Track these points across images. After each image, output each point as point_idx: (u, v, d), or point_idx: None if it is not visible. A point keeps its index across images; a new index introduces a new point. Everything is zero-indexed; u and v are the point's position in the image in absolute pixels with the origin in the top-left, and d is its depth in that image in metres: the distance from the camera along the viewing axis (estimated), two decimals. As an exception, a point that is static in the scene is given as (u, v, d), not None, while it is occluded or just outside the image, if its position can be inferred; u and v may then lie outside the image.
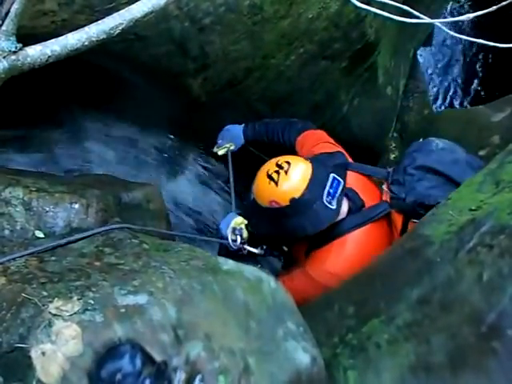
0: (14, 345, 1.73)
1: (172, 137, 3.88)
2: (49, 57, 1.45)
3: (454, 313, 2.02)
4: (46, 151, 3.60)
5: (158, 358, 1.56)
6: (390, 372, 1.98)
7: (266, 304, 1.96)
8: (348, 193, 2.63)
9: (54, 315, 1.77)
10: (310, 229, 2.52)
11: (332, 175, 2.51)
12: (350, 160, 2.91)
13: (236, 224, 2.73)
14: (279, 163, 2.48)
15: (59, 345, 1.73)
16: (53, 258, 2.13)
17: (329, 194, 2.46)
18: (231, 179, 3.08)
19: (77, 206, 2.41)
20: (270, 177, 2.44)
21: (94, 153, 3.69)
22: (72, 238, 2.28)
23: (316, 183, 2.47)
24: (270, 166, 2.52)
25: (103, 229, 2.37)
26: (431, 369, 1.89)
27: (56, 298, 1.81)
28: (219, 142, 3.20)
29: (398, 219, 2.69)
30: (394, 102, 5.15)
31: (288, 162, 2.47)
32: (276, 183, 2.42)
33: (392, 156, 6.13)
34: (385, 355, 2.05)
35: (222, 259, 2.24)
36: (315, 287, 2.61)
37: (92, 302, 1.84)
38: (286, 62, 3.72)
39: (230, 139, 3.17)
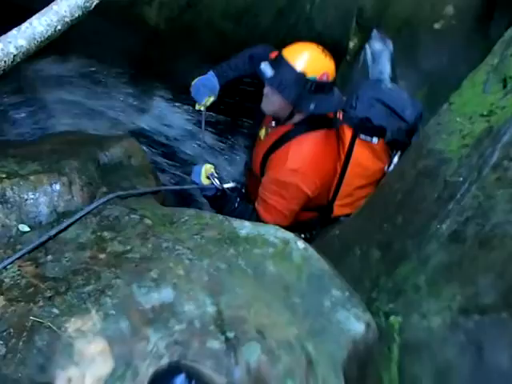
0: (36, 379, 1.46)
1: (133, 73, 3.41)
2: (14, 56, 1.04)
3: (496, 250, 1.82)
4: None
5: (218, 379, 1.30)
6: (439, 315, 1.80)
7: (302, 272, 1.74)
8: None
9: (75, 338, 1.49)
10: (331, 108, 2.66)
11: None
12: None
13: (207, 170, 2.75)
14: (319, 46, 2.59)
15: (85, 365, 1.47)
16: (49, 258, 1.81)
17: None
18: (202, 134, 2.97)
19: (58, 186, 2.05)
20: (324, 52, 2.53)
21: (50, 102, 3.20)
22: (63, 226, 1.94)
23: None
24: (313, 45, 2.59)
25: (92, 207, 2.03)
26: (485, 310, 1.72)
27: (73, 319, 1.52)
28: (198, 97, 2.88)
29: (347, 134, 2.79)
30: (354, -8, 4.72)
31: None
32: (330, 57, 2.53)
33: (351, 45, 5.76)
34: (427, 298, 1.87)
35: (236, 222, 1.97)
36: (288, 190, 2.61)
37: (113, 311, 1.56)
38: (244, -31, 3.25)
39: (209, 92, 2.86)
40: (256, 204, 2.74)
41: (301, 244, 1.84)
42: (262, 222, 2.55)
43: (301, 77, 2.50)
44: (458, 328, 1.72)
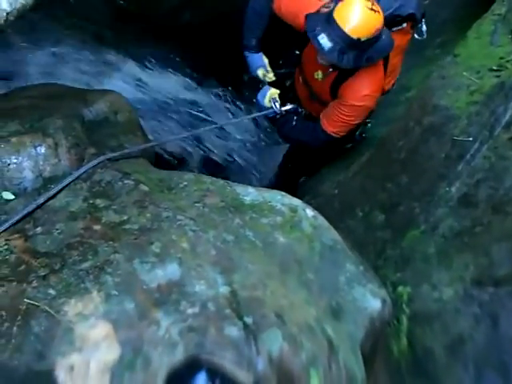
0: (34, 367, 1.33)
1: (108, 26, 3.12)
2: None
3: (511, 215, 1.73)
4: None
5: (241, 375, 1.18)
6: (451, 286, 1.72)
7: (313, 243, 1.61)
8: None
9: (76, 322, 1.35)
10: (389, 47, 2.74)
11: None
12: None
13: (271, 94, 3.03)
14: None
15: (89, 351, 1.34)
16: (39, 230, 1.64)
17: None
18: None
19: (43, 148, 1.86)
20: (372, 9, 2.52)
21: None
22: (51, 193, 1.76)
23: None
24: (362, 2, 2.54)
25: (80, 172, 1.85)
26: (500, 282, 1.64)
27: (72, 300, 1.37)
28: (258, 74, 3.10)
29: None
30: None
31: None
32: (378, 12, 2.53)
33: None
34: (438, 268, 1.79)
35: (239, 187, 1.82)
36: (358, 111, 2.86)
37: (116, 292, 1.42)
38: None
39: (258, 67, 3.09)
40: (321, 117, 2.99)
41: (310, 212, 1.71)
42: (324, 132, 2.93)
43: (356, 43, 2.58)
44: (471, 300, 1.65)
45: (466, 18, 4.35)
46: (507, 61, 2.16)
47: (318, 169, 3.87)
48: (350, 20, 2.53)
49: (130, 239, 1.58)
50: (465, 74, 2.25)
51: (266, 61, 3.09)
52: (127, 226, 1.64)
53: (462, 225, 1.83)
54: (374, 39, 2.58)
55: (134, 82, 3.41)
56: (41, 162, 1.84)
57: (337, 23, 2.55)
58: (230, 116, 3.90)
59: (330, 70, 2.92)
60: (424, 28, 2.99)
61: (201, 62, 3.89)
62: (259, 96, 3.07)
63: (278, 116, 3.06)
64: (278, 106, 3.04)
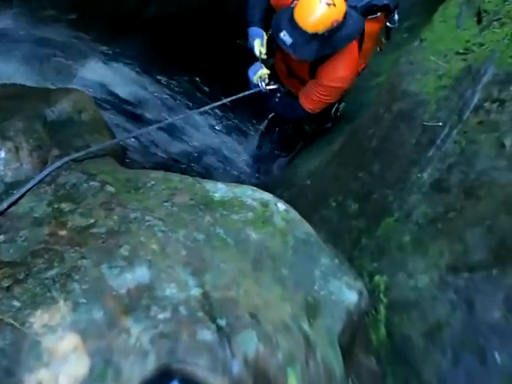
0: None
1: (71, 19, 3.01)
2: None
3: (484, 199, 1.71)
4: None
5: (216, 380, 1.14)
6: (426, 274, 1.71)
7: (286, 237, 1.58)
8: None
9: (42, 334, 1.30)
10: (355, 33, 2.88)
11: None
12: None
13: (261, 74, 3.19)
14: None
15: (57, 365, 1.28)
16: (1, 238, 1.57)
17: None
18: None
19: (3, 153, 1.78)
20: (328, 3, 2.65)
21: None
22: (14, 198, 1.69)
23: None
24: None
25: (44, 174, 1.79)
26: (475, 268, 1.63)
27: (38, 312, 1.31)
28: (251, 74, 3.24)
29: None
30: None
31: None
32: (334, 5, 2.66)
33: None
34: (413, 256, 1.77)
35: (208, 184, 1.77)
36: (334, 91, 3.07)
37: (84, 300, 1.36)
38: None
39: (256, 37, 3.19)
40: (300, 94, 3.21)
41: (281, 205, 1.68)
42: (302, 108, 3.18)
43: (315, 36, 2.72)
44: (447, 286, 1.64)
45: (434, 1, 4.35)
46: (473, 44, 2.14)
47: (292, 156, 3.85)
48: (305, 16, 2.69)
49: (97, 243, 1.53)
50: (432, 58, 2.23)
51: (264, 35, 3.19)
52: (94, 230, 1.58)
53: (436, 211, 1.81)
54: (335, 29, 2.71)
55: (98, 79, 3.31)
56: (1, 167, 1.76)
57: (295, 19, 2.71)
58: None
59: None
60: (396, 17, 3.18)
61: (168, 56, 3.82)
62: (250, 72, 3.23)
63: (262, 93, 3.24)
64: (263, 84, 3.21)
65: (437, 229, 1.77)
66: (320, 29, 2.70)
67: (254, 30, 3.21)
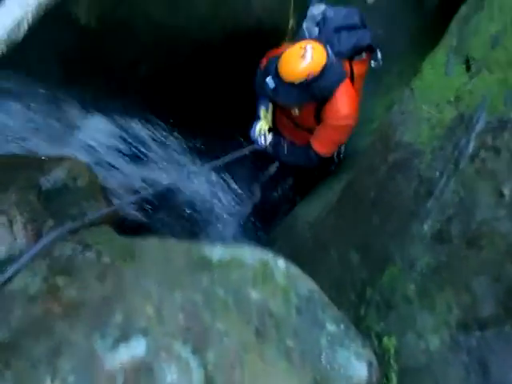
0: None
1: (64, 81, 3.04)
2: None
3: (486, 249, 1.67)
4: None
5: None
6: (436, 333, 1.64)
7: (288, 296, 1.53)
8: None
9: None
10: (336, 85, 3.10)
11: (327, 46, 3.12)
12: None
13: (260, 128, 3.39)
14: (303, 47, 2.98)
15: None
16: (-6, 320, 1.53)
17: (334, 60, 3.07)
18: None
19: (-3, 228, 1.75)
20: (303, 57, 2.92)
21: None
22: (6, 276, 1.66)
23: (327, 53, 3.04)
24: (295, 51, 2.98)
25: (37, 249, 1.75)
26: (485, 324, 1.56)
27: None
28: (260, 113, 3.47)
29: (346, 65, 3.28)
30: (290, -30, 4.45)
31: (308, 44, 2.99)
32: (311, 58, 2.93)
33: (290, 25, 5.57)
34: (421, 311, 1.71)
35: (205, 247, 1.73)
36: (343, 130, 3.24)
37: (72, 378, 1.30)
38: (178, -44, 2.95)
39: (262, 107, 3.48)
40: (311, 141, 3.33)
41: (281, 263, 1.64)
42: (316, 153, 3.29)
43: (291, 85, 2.99)
44: (459, 348, 1.57)
45: (422, 46, 4.42)
46: (463, 91, 2.13)
47: (293, 205, 3.83)
48: (284, 67, 2.99)
49: (89, 311, 1.48)
50: (424, 107, 2.23)
51: (270, 106, 3.47)
52: (88, 301, 1.54)
53: (439, 260, 1.77)
54: (312, 81, 2.97)
55: (92, 141, 3.32)
56: (-5, 243, 1.74)
57: (277, 69, 3.02)
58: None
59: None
60: (379, 55, 3.41)
61: (164, 112, 3.85)
62: (251, 130, 3.43)
63: (265, 149, 3.41)
64: (262, 139, 3.39)
65: (442, 278, 1.72)
66: (296, 79, 2.96)
67: (262, 100, 3.47)
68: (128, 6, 2.84)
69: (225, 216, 4.06)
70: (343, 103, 3.18)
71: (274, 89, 3.07)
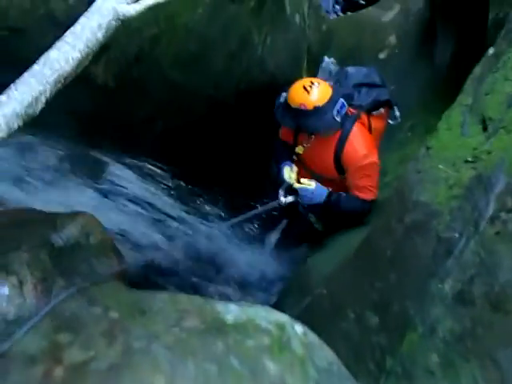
0: None
1: (82, 138, 3.07)
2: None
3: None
4: None
5: None
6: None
7: (306, 367, 1.46)
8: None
9: None
10: (321, 130, 3.31)
11: (341, 100, 3.27)
12: None
13: (284, 185, 3.48)
14: (312, 81, 3.25)
15: None
16: (-4, 384, 1.46)
17: (337, 112, 3.23)
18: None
19: (6, 289, 1.71)
20: (305, 88, 3.19)
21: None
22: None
23: (331, 101, 3.21)
24: (305, 81, 3.28)
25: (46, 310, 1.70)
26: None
27: None
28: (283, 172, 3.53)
29: (364, 118, 3.49)
30: (303, 29, 4.62)
31: (318, 82, 3.26)
32: (308, 93, 3.17)
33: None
34: (443, 384, 1.62)
35: (219, 305, 1.68)
36: (370, 169, 3.34)
37: None
38: (193, 16, 3.03)
39: (285, 165, 3.57)
40: (352, 193, 3.38)
41: (299, 328, 1.58)
42: (364, 200, 3.33)
43: (291, 109, 3.24)
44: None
45: (433, 103, 4.45)
46: (481, 151, 2.11)
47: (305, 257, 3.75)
48: (291, 89, 3.25)
49: (94, 381, 1.41)
50: (441, 167, 2.20)
51: (294, 167, 3.53)
52: (93, 366, 1.47)
53: (462, 326, 1.69)
54: (307, 112, 3.16)
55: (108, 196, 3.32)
56: (4, 304, 1.68)
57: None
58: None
59: (312, 137, 3.42)
60: (397, 113, 3.58)
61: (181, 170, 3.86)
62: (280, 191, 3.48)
63: (283, 206, 3.46)
64: (282, 198, 3.45)
65: (466, 347, 1.64)
66: (291, 104, 3.21)
67: (283, 163, 3.55)
68: (143, 65, 2.89)
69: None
70: (359, 144, 3.31)
71: (284, 104, 3.27)
